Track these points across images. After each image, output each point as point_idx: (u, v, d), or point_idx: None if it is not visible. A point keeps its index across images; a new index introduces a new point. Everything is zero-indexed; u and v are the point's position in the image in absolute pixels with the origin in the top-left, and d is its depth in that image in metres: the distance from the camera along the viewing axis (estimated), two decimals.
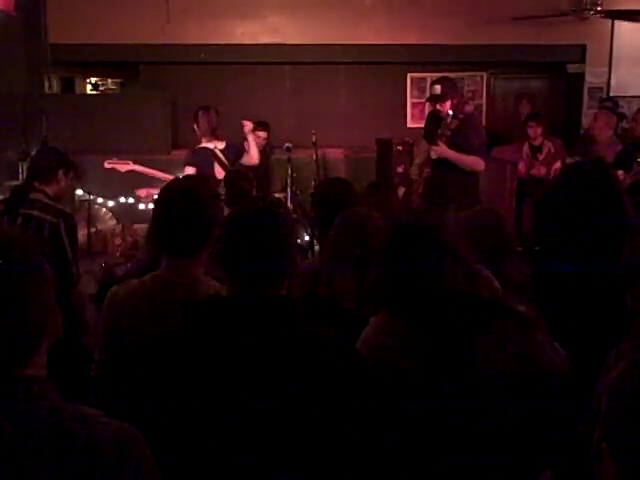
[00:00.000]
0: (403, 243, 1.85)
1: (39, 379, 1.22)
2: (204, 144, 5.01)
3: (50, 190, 3.46)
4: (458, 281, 1.79)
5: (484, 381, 1.73)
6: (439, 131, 4.86)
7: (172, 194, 2.20)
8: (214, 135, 5.00)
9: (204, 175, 4.61)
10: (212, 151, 4.97)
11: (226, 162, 4.97)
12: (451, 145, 4.82)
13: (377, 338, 1.84)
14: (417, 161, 5.39)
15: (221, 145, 5.03)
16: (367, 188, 4.02)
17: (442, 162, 4.89)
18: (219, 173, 4.91)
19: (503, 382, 1.75)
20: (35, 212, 3.32)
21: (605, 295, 2.35)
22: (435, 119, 5.08)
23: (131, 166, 5.23)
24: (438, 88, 4.94)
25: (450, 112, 4.86)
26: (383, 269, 1.88)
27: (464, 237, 2.38)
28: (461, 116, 4.88)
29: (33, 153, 5.33)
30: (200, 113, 5.01)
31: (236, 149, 5.12)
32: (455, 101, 4.92)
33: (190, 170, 4.78)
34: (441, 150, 4.84)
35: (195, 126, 5.02)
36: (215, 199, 2.19)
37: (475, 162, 4.87)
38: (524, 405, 1.75)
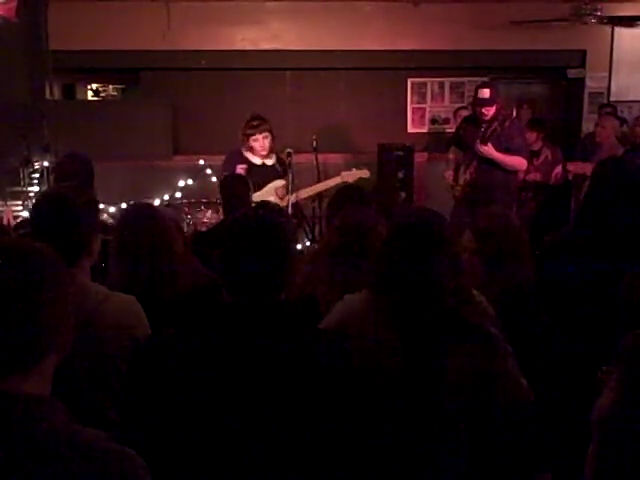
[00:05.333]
0: (402, 239, 1.88)
1: (39, 398, 1.17)
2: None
3: None
4: (437, 284, 1.81)
5: (451, 387, 1.76)
6: (487, 132, 4.95)
7: (43, 204, 2.17)
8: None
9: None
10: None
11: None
12: (495, 145, 4.94)
13: (349, 310, 1.92)
14: (452, 165, 5.50)
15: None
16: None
17: (487, 164, 5.02)
18: None
19: (468, 394, 1.78)
20: None
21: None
22: (474, 123, 5.15)
23: None
24: (487, 92, 5.01)
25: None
26: (379, 259, 1.93)
27: (484, 237, 2.40)
28: (501, 118, 4.97)
29: (35, 159, 5.34)
30: None
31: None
32: (499, 106, 5.04)
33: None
34: (490, 151, 4.92)
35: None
36: (90, 206, 2.17)
37: (519, 162, 5.05)
38: (483, 422, 1.77)
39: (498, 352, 1.81)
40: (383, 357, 1.79)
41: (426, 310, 1.78)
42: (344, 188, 3.44)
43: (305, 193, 5.27)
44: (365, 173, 5.18)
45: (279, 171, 5.13)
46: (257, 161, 5.09)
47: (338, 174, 5.36)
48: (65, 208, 2.08)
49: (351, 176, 5.14)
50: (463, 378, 1.76)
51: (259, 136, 4.99)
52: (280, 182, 5.07)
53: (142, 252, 2.51)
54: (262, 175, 5.00)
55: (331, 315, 2.00)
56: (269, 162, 5.11)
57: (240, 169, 4.94)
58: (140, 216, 2.64)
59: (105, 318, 1.98)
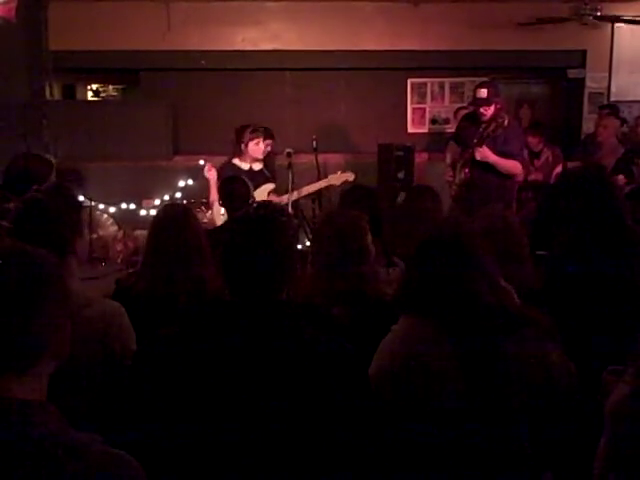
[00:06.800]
0: (433, 253, 1.90)
1: (35, 403, 1.17)
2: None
3: None
4: (482, 290, 1.84)
5: (508, 381, 1.80)
6: (484, 134, 4.89)
7: (22, 210, 2.14)
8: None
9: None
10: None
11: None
12: (490, 148, 4.86)
13: (407, 344, 1.89)
14: (448, 162, 5.48)
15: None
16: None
17: (482, 164, 4.93)
18: None
19: (523, 384, 1.82)
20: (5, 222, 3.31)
21: (617, 296, 2.38)
22: (474, 122, 5.09)
23: None
24: (484, 92, 4.95)
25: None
26: (413, 276, 1.95)
27: (481, 240, 2.41)
28: (500, 120, 4.90)
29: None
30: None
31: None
32: (499, 106, 4.96)
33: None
34: (486, 153, 4.86)
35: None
36: (69, 207, 2.14)
37: (514, 167, 4.95)
38: (538, 407, 1.81)
39: (547, 337, 1.85)
40: (447, 385, 1.80)
41: (474, 322, 1.81)
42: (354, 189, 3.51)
43: (293, 196, 5.33)
44: (350, 176, 5.39)
45: (267, 175, 5.27)
46: (245, 166, 5.19)
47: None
48: (42, 211, 2.05)
49: (337, 179, 5.39)
50: (523, 368, 1.80)
51: (261, 141, 5.18)
52: (270, 186, 5.21)
53: (177, 255, 2.51)
54: (250, 180, 5.02)
55: (384, 354, 1.93)
56: (256, 167, 5.23)
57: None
58: (175, 218, 2.64)
59: (81, 327, 1.80)
